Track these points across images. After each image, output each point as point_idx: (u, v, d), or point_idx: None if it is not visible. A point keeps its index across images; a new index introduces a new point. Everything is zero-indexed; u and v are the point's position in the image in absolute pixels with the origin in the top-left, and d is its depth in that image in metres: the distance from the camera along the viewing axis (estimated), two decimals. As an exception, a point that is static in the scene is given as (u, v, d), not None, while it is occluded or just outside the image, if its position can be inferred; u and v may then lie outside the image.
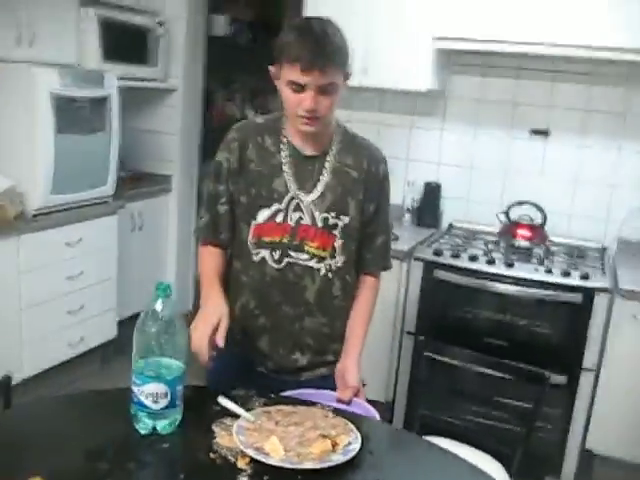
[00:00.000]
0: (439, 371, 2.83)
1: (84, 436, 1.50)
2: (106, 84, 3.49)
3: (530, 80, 3.48)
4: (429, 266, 3.08)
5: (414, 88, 3.33)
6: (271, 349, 1.89)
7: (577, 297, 2.88)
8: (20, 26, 3.22)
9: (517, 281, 2.95)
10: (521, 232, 3.24)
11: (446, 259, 3.06)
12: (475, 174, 3.65)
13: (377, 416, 1.80)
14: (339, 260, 1.87)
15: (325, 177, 1.84)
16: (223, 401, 1.59)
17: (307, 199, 1.82)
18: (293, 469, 1.37)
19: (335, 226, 1.84)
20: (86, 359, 3.78)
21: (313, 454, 1.42)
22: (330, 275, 1.87)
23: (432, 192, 3.63)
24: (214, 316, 1.66)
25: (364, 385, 1.89)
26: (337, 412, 1.62)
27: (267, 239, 1.84)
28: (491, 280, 2.98)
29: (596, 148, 3.42)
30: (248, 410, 1.58)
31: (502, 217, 3.35)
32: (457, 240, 3.33)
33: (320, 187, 1.83)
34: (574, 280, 2.90)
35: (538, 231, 3.26)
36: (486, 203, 3.59)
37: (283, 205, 1.82)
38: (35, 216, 3.26)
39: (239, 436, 1.46)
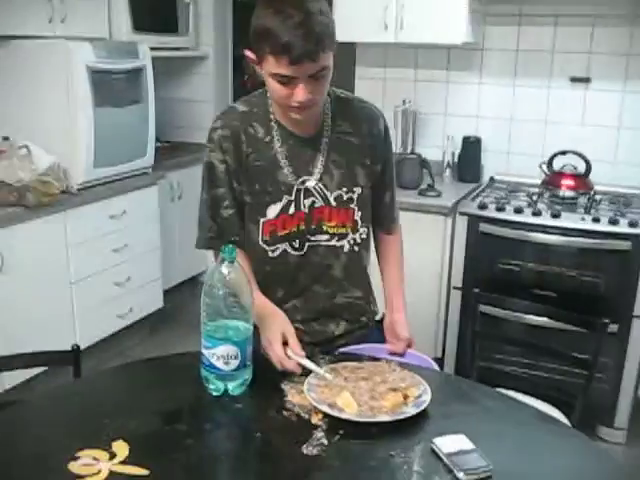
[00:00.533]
0: (491, 324, 2.85)
1: (158, 401, 1.53)
2: (140, 55, 3.49)
3: (568, 27, 3.39)
4: (474, 220, 3.06)
5: (450, 42, 3.28)
6: (305, 325, 1.83)
7: (626, 244, 2.85)
8: (52, 3, 3.23)
9: (564, 231, 2.92)
10: (565, 182, 3.20)
11: (491, 212, 3.04)
12: (515, 126, 3.59)
13: (435, 365, 1.81)
14: (363, 232, 1.83)
15: (326, 154, 1.75)
16: (298, 358, 1.57)
17: (315, 182, 1.74)
18: (367, 422, 1.39)
19: (351, 200, 1.78)
20: (135, 329, 3.85)
21: (386, 407, 1.44)
22: (356, 248, 1.82)
23: (472, 146, 3.59)
24: (278, 333, 1.59)
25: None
26: (402, 365, 1.63)
27: (282, 233, 1.75)
28: (537, 231, 2.96)
29: (638, 93, 3.34)
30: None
31: (545, 168, 3.31)
32: (500, 193, 3.30)
33: (324, 166, 1.74)
34: (622, 227, 2.86)
35: (582, 180, 3.21)
36: (527, 155, 3.54)
37: (293, 195, 1.73)
38: (79, 190, 3.30)
39: (311, 393, 1.48)
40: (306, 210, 1.74)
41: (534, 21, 3.44)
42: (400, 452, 1.32)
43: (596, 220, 2.90)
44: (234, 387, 1.52)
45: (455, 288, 3.17)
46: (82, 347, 3.36)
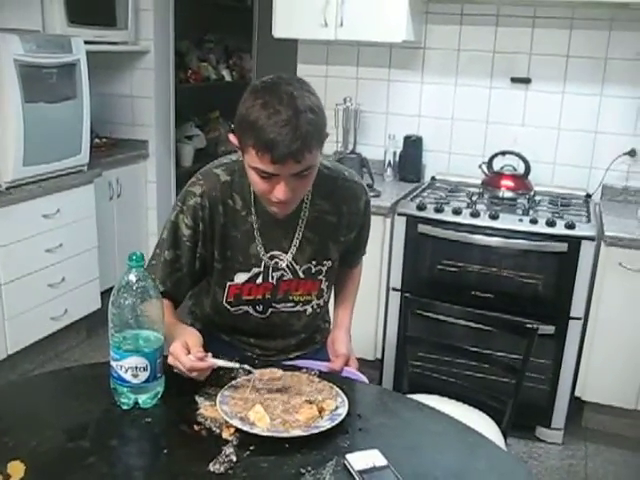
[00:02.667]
0: (426, 327, 2.82)
1: (64, 415, 1.47)
2: (73, 49, 3.37)
3: (509, 27, 3.39)
4: (413, 221, 3.04)
5: (390, 40, 3.24)
6: (260, 345, 1.89)
7: (563, 246, 2.85)
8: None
9: (502, 232, 2.92)
10: (505, 182, 3.20)
11: (430, 213, 3.01)
12: (456, 126, 3.58)
13: (366, 381, 1.79)
14: (327, 297, 1.88)
15: (302, 232, 1.73)
16: (212, 360, 1.51)
17: (286, 257, 1.74)
18: (279, 437, 1.34)
19: (320, 272, 1.79)
20: (72, 331, 3.74)
21: (299, 421, 1.39)
22: (319, 310, 1.87)
23: (413, 145, 3.56)
24: (179, 344, 1.50)
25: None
26: (323, 377, 1.59)
27: (247, 297, 1.76)
28: (476, 233, 2.94)
29: (578, 95, 3.36)
30: (232, 379, 1.55)
31: (485, 168, 3.30)
32: (440, 193, 3.29)
33: (298, 243, 1.74)
34: (559, 229, 2.86)
35: (522, 181, 3.22)
36: (468, 155, 3.54)
37: (262, 267, 1.73)
38: (8, 189, 3.17)
39: (223, 406, 1.42)
40: (274, 282, 1.75)
41: (475, 21, 3.43)
42: (311, 469, 1.27)
43: (534, 222, 2.90)
44: (145, 400, 1.46)
45: (394, 289, 3.14)
46: (14, 351, 3.32)
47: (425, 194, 3.28)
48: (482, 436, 1.44)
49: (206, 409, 1.45)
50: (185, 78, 5.12)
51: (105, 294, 3.92)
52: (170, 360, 1.50)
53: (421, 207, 3.04)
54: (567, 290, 2.89)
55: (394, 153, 3.61)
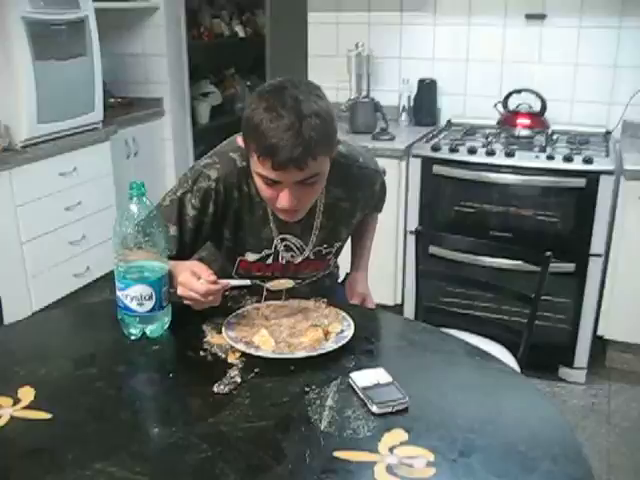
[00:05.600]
0: (445, 266, 2.82)
1: (74, 346, 1.50)
2: (82, 5, 3.36)
3: (522, -39, 3.30)
4: (427, 162, 3.00)
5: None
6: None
7: (581, 182, 2.80)
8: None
9: (518, 170, 2.87)
10: (521, 121, 3.14)
11: (444, 154, 2.97)
12: (471, 67, 3.51)
13: None
14: (332, 264, 1.88)
15: (316, 218, 1.70)
16: (225, 280, 1.50)
17: (297, 240, 1.71)
18: (284, 359, 1.35)
19: (329, 252, 1.79)
20: (95, 289, 3.78)
21: (304, 343, 1.39)
22: (322, 277, 1.87)
23: (427, 89, 3.50)
24: (187, 272, 1.47)
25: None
26: (330, 303, 1.58)
27: (257, 274, 1.72)
28: (492, 171, 2.90)
29: (595, 28, 3.26)
30: (238, 308, 1.55)
31: (500, 107, 3.24)
32: (456, 135, 3.23)
33: (311, 229, 1.71)
34: (577, 165, 2.81)
35: (538, 119, 3.15)
36: (484, 96, 3.46)
37: (273, 250, 1.70)
38: (24, 148, 3.20)
39: (228, 332, 1.43)
40: (283, 262, 1.73)
41: (487, -45, 3.35)
42: (315, 388, 1.27)
43: (550, 158, 2.85)
44: (152, 330, 1.47)
45: (411, 232, 3.12)
46: (39, 308, 3.37)
47: (441, 136, 3.23)
48: (490, 355, 1.43)
49: (213, 336, 1.46)
50: (198, 35, 5.08)
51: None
52: (181, 291, 1.46)
53: (436, 148, 3.00)
54: (586, 227, 2.84)
55: (408, 97, 3.55)
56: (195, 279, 1.45)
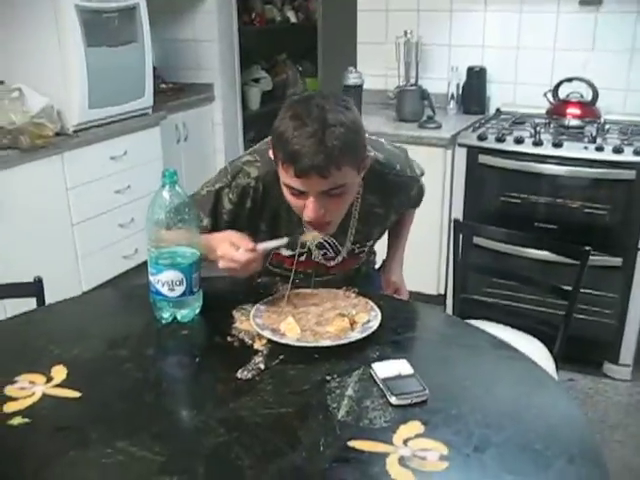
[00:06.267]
0: (490, 257, 2.78)
1: (108, 327, 1.55)
2: (133, -8, 3.42)
3: (578, -54, 3.21)
4: (473, 152, 2.96)
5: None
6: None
7: (631, 174, 2.72)
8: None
9: (566, 161, 2.81)
10: (570, 110, 3.06)
11: (491, 143, 2.93)
12: (522, 55, 3.44)
13: None
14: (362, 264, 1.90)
15: (351, 226, 1.70)
16: (262, 245, 1.51)
17: (332, 240, 1.71)
18: (309, 347, 1.36)
19: (362, 251, 1.80)
20: (143, 271, 3.83)
21: (330, 332, 1.40)
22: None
23: (477, 77, 3.45)
24: (226, 243, 1.49)
25: None
26: (360, 293, 1.59)
27: (289, 267, 1.70)
28: (538, 162, 2.85)
29: (653, 15, 3.16)
30: (270, 295, 1.57)
31: (550, 96, 3.17)
32: (504, 124, 3.18)
33: (346, 234, 1.71)
34: (627, 156, 2.73)
35: (589, 108, 3.07)
36: (535, 85, 3.38)
37: (306, 248, 1.70)
38: (76, 132, 3.28)
39: (256, 319, 1.45)
40: (317, 259, 1.74)
41: (542, -58, 3.26)
42: (336, 377, 1.28)
43: (599, 149, 2.78)
44: (183, 315, 1.50)
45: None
46: (88, 288, 3.46)
47: (488, 125, 3.18)
48: (517, 350, 1.41)
49: (241, 322, 1.48)
50: (249, 21, 5.11)
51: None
52: (222, 264, 1.47)
53: (482, 137, 2.96)
54: (635, 220, 2.77)
55: (457, 85, 3.51)
56: (234, 249, 1.47)
